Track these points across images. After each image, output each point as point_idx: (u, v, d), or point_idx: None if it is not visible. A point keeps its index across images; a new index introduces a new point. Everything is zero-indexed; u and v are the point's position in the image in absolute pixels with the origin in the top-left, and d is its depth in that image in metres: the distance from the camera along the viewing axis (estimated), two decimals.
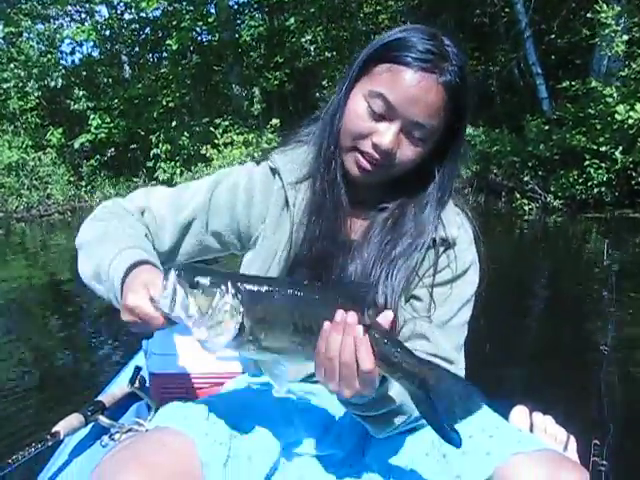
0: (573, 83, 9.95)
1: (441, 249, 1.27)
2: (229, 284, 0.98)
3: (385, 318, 1.00)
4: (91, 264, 1.19)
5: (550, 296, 5.84)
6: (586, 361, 3.48)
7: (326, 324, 0.98)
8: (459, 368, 1.27)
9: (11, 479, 1.67)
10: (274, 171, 1.31)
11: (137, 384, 1.97)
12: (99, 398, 1.90)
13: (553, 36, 13.79)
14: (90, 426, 1.81)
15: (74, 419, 1.76)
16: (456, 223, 1.29)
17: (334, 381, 1.00)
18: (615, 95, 8.94)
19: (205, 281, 0.97)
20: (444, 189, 1.26)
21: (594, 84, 9.37)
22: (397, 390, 1.10)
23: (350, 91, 1.19)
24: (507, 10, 13.77)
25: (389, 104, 1.13)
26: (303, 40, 14.27)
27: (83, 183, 15.49)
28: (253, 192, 1.31)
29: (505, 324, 4.57)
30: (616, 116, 8.68)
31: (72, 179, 15.28)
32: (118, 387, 2.01)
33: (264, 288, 1.00)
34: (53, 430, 1.72)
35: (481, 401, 0.97)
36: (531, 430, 1.71)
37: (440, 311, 1.26)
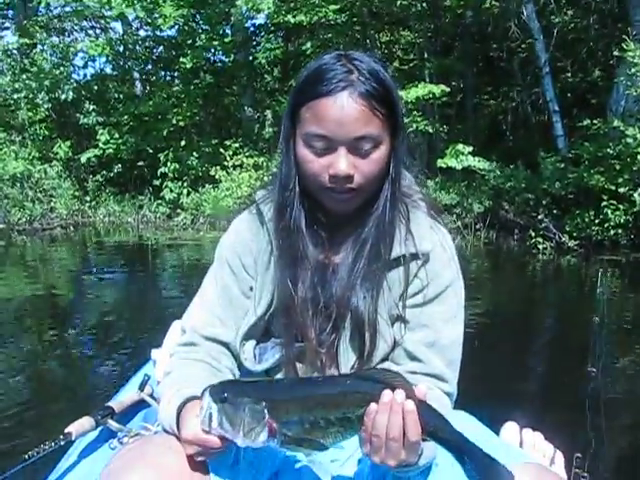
0: (595, 122, 9.83)
1: (413, 266, 1.28)
2: (251, 392, 1.07)
3: (420, 392, 1.06)
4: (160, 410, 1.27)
5: (550, 327, 6.21)
6: (576, 383, 3.64)
7: (372, 405, 1.03)
8: (452, 385, 1.29)
9: (24, 474, 1.79)
10: (259, 212, 1.36)
11: (146, 391, 2.04)
12: (109, 404, 1.97)
13: (569, 74, 13.79)
14: (100, 429, 1.89)
15: (85, 422, 1.84)
16: (430, 238, 1.30)
17: (380, 454, 1.05)
18: (638, 136, 8.80)
19: (231, 394, 1.05)
20: (395, 183, 1.28)
21: (616, 123, 9.25)
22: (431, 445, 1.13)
23: (293, 144, 1.26)
24: (523, 46, 13.76)
25: (324, 137, 1.18)
26: None
27: (88, 198, 15.29)
28: (240, 250, 1.36)
29: (503, 349, 4.88)
30: (638, 157, 8.54)
31: (77, 194, 15.07)
32: (127, 394, 2.09)
33: (284, 391, 1.10)
34: (66, 430, 1.79)
35: (508, 475, 1.03)
36: (521, 445, 1.76)
37: (425, 332, 1.28)
